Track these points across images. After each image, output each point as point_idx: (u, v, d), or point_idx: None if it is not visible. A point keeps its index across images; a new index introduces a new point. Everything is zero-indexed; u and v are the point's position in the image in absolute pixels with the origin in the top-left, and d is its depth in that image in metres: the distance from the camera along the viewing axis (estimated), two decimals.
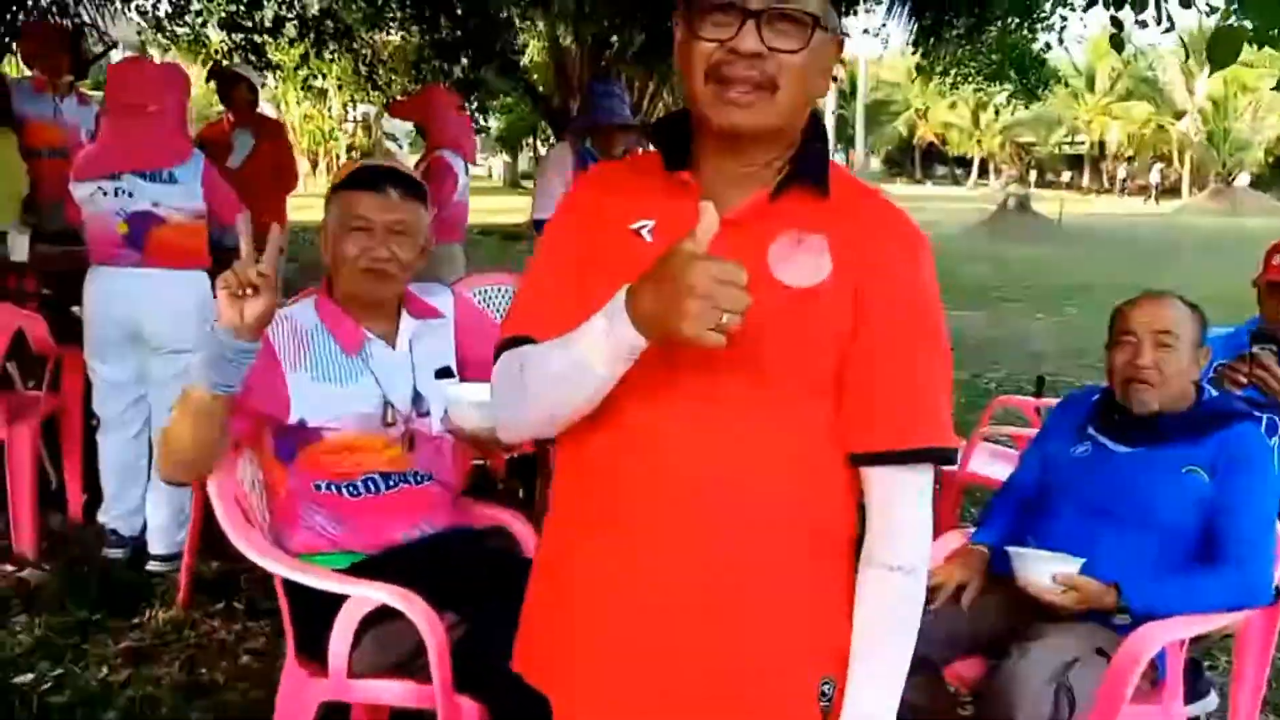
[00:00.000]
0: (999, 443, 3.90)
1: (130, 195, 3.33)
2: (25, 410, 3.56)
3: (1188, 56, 23.07)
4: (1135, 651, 2.17)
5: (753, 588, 1.25)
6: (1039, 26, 8.32)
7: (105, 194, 3.33)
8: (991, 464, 3.66)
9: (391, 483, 2.09)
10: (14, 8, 7.12)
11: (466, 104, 8.96)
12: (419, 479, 2.13)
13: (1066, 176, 51.33)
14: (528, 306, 1.34)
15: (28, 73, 5.48)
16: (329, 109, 26.16)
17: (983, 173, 52.82)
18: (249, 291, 1.67)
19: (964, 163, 54.56)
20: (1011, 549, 2.37)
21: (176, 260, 3.40)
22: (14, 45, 7.59)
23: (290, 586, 2.03)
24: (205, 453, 1.85)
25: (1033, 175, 48.13)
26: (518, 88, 12.15)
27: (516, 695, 1.79)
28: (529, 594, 1.42)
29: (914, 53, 8.58)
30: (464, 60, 8.76)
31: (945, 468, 3.73)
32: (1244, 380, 2.80)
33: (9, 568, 3.41)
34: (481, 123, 10.06)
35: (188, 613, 3.16)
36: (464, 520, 2.24)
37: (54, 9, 7.44)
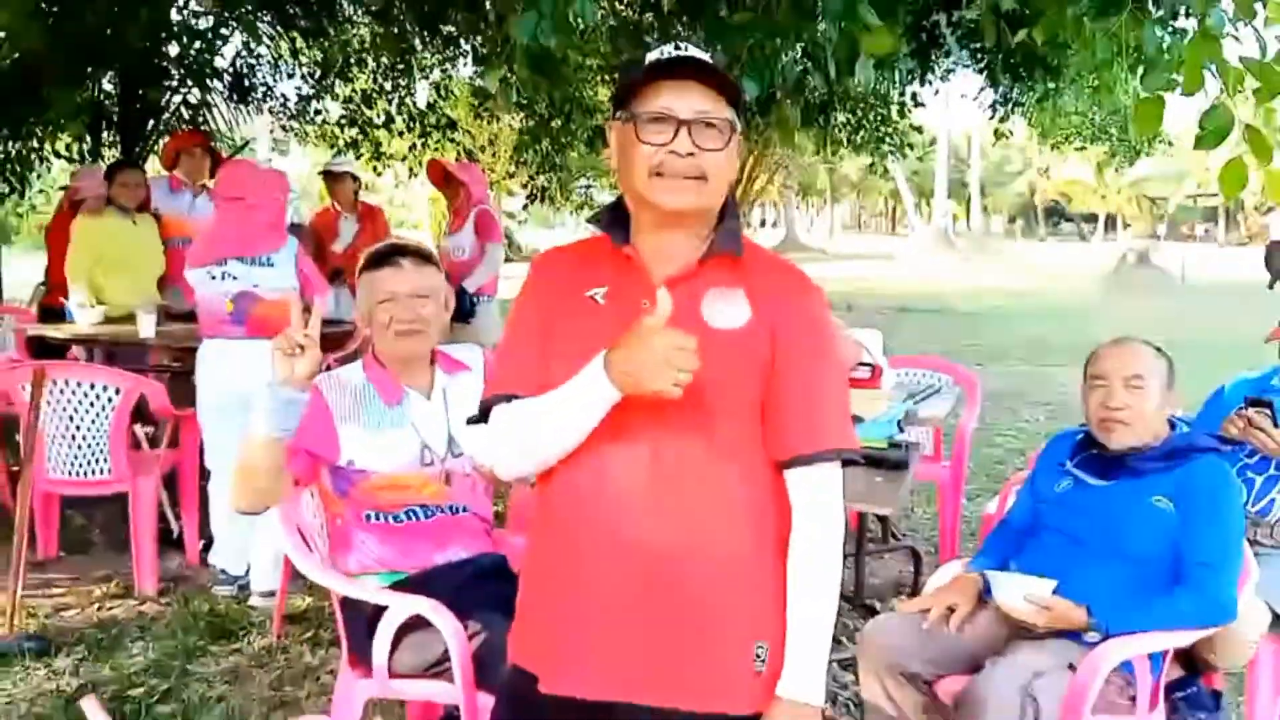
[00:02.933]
0: None
1: (234, 278, 3.84)
2: (148, 466, 4.08)
3: None
4: (1096, 664, 2.37)
5: (698, 574, 1.56)
6: (1115, 88, 8.43)
7: (214, 278, 3.86)
8: None
9: (430, 513, 2.47)
10: (155, 116, 7.98)
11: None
12: (455, 510, 2.50)
13: (1202, 230, 49.78)
14: (508, 368, 1.67)
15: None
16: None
17: (1109, 228, 51.57)
18: (298, 351, 2.07)
19: (1090, 219, 53.50)
20: (990, 573, 2.60)
21: (273, 332, 3.86)
22: (155, 148, 8.48)
23: (344, 601, 2.41)
24: (269, 486, 2.25)
25: (1162, 229, 46.72)
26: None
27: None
28: (520, 597, 1.74)
29: (991, 117, 8.78)
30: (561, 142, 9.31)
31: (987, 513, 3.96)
32: (1235, 434, 2.93)
33: (131, 601, 3.90)
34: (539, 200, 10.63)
35: (280, 640, 3.57)
36: (496, 548, 2.59)
37: (191, 116, 8.28)
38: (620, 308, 1.58)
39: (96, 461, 3.89)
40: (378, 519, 2.45)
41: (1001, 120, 8.61)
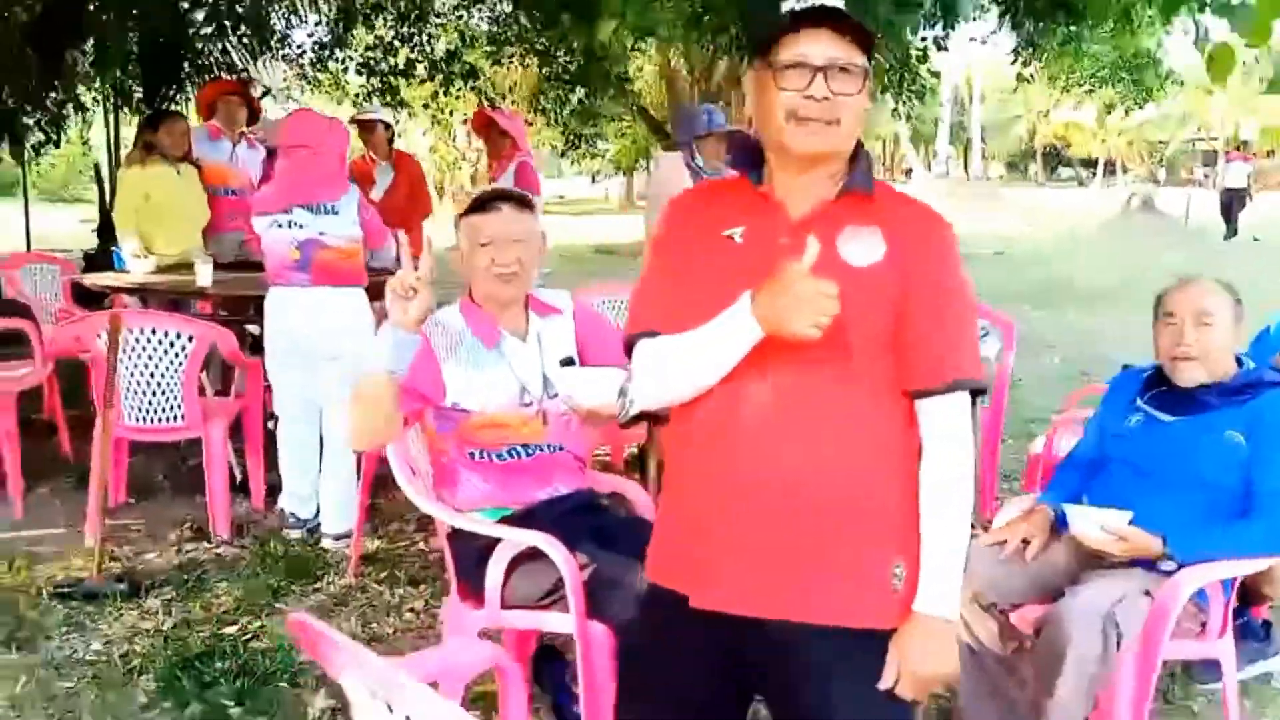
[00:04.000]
0: None
1: (300, 226, 3.91)
2: (218, 412, 4.17)
3: None
4: (1177, 589, 2.48)
5: (834, 498, 1.64)
6: (1140, 30, 8.43)
7: (280, 226, 3.92)
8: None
9: (530, 451, 2.56)
10: (183, 63, 7.97)
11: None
12: (552, 449, 2.59)
13: (1201, 174, 49.63)
14: (649, 306, 1.76)
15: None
16: (453, 140, 27.31)
17: (1109, 172, 51.41)
18: (411, 293, 2.15)
19: (1088, 164, 53.26)
20: (1068, 505, 2.70)
21: (338, 279, 3.96)
22: (180, 98, 8.48)
23: (453, 535, 2.51)
24: (384, 425, 2.34)
25: (1162, 174, 46.59)
26: (630, 112, 12.69)
27: (635, 618, 2.25)
28: (660, 519, 1.83)
29: (1013, 62, 8.78)
30: (580, 89, 9.33)
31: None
32: None
33: (207, 544, 4.01)
34: (599, 146, 10.62)
35: (358, 580, 3.69)
36: (590, 485, 2.69)
37: (218, 64, 8.27)
38: (758, 247, 1.67)
39: (170, 408, 3.98)
40: (481, 457, 2.54)
41: (1024, 65, 8.62)
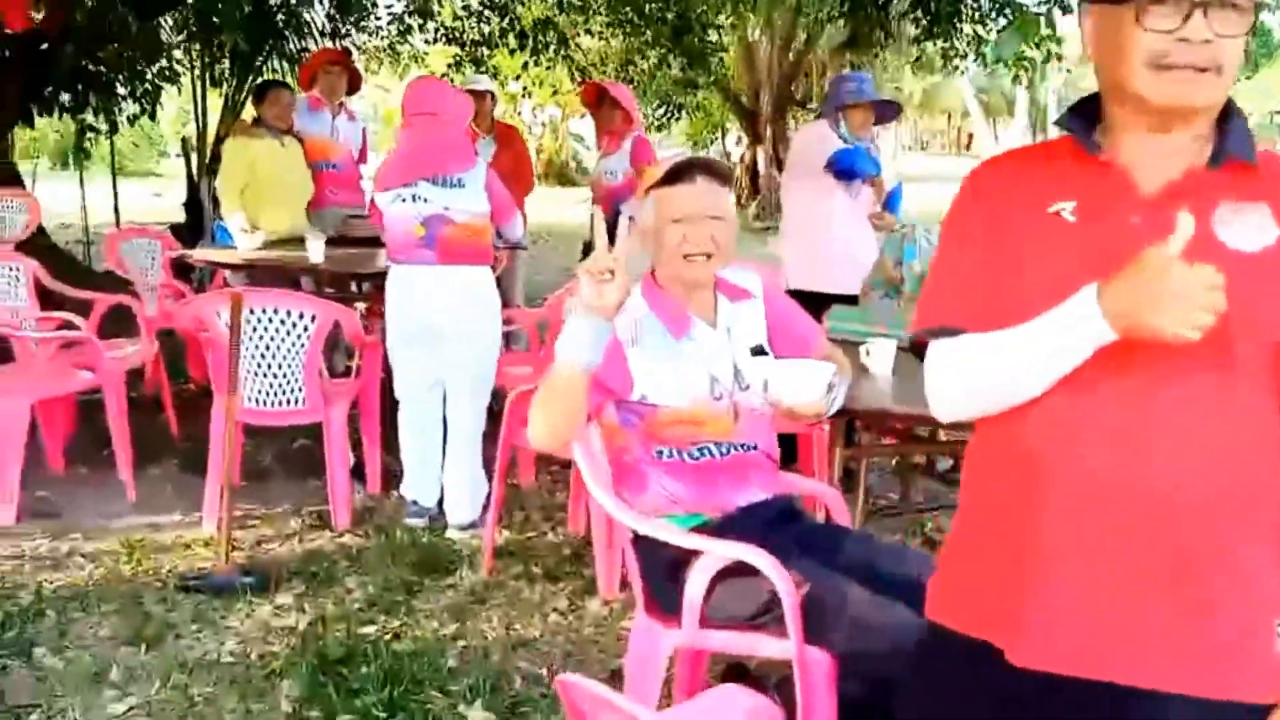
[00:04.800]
0: None
1: (425, 200, 3.68)
2: (339, 395, 3.98)
3: None
4: None
5: (1213, 536, 1.31)
6: None
7: (404, 200, 3.70)
8: None
9: (724, 451, 2.31)
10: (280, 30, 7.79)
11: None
12: (746, 448, 2.34)
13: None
14: (947, 296, 1.46)
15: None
16: (519, 113, 27.05)
17: None
18: (608, 276, 1.91)
19: None
20: None
21: (466, 257, 3.74)
22: (266, 70, 8.33)
23: (639, 542, 2.27)
24: (573, 421, 2.10)
25: None
26: (709, 85, 12.35)
27: (863, 648, 1.99)
28: (950, 557, 1.52)
29: None
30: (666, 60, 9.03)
31: None
32: None
33: (329, 533, 3.83)
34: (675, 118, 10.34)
35: (493, 575, 3.48)
36: (786, 489, 2.44)
37: (317, 32, 8.08)
38: (1097, 226, 1.35)
39: (291, 391, 3.79)
40: (671, 456, 2.30)
41: None
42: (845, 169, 4.30)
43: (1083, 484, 1.33)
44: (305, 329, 3.70)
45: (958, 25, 8.62)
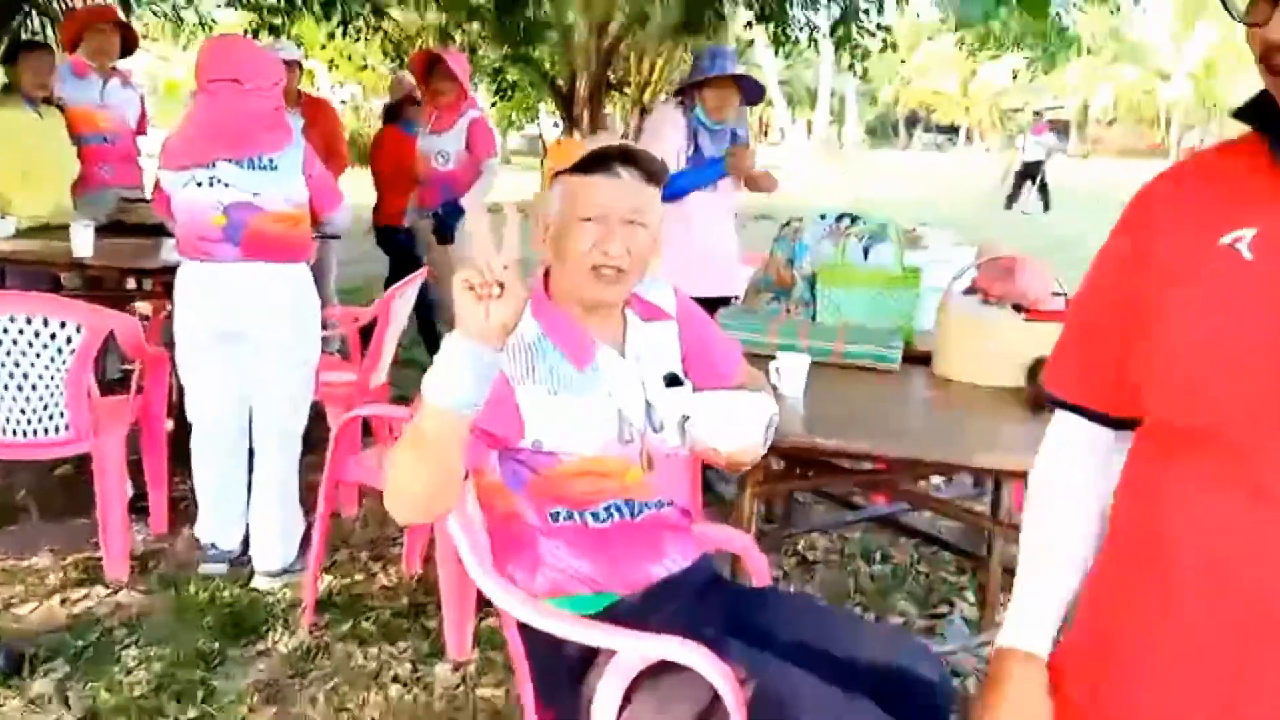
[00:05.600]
0: None
1: (227, 185, 3.02)
2: (113, 417, 3.24)
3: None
4: None
5: None
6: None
7: (199, 184, 3.02)
8: None
9: (636, 510, 1.81)
10: None
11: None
12: (660, 505, 1.85)
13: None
14: (1071, 361, 1.17)
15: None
16: (315, 89, 25.52)
17: (968, 139, 52.82)
18: (495, 290, 1.38)
19: (945, 129, 54.62)
20: None
21: (278, 253, 3.09)
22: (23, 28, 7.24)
23: (525, 632, 1.75)
24: (448, 485, 1.55)
25: (1021, 140, 47.95)
26: (529, 65, 11.76)
27: None
28: (1083, 633, 1.15)
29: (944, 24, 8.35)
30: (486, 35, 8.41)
31: None
32: None
33: (102, 589, 3.11)
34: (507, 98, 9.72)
35: (315, 635, 2.87)
36: (701, 547, 1.96)
37: None
38: None
39: (50, 418, 3.04)
40: (569, 519, 1.78)
41: (956, 30, 8.20)
42: (677, 193, 3.76)
43: (1209, 581, 0.97)
44: (68, 341, 2.97)
45: (790, 10, 8.40)
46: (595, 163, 1.75)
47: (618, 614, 1.74)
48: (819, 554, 3.59)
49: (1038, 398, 2.45)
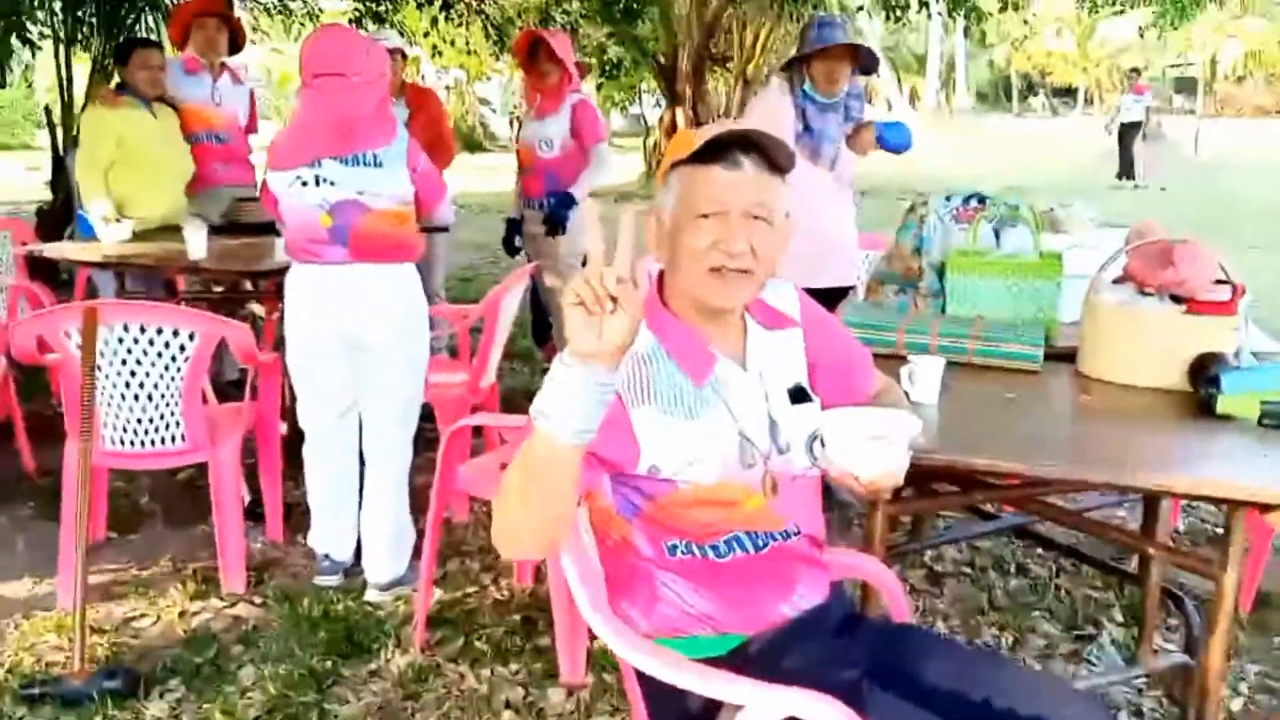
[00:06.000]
0: None
1: (333, 183, 2.94)
2: (228, 427, 3.22)
3: None
4: None
5: None
6: None
7: (305, 183, 2.95)
8: None
9: (760, 541, 1.66)
10: None
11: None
12: (787, 535, 1.69)
13: (1178, 101, 49.07)
14: None
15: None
16: (421, 76, 25.80)
17: (1088, 101, 50.69)
18: (608, 308, 1.24)
19: (1061, 92, 52.56)
20: None
21: (386, 253, 3.01)
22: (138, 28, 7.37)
23: (649, 684, 1.61)
24: (560, 518, 1.43)
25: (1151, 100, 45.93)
26: (632, 43, 11.60)
27: None
28: None
29: None
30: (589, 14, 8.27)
31: None
32: None
33: (218, 602, 3.09)
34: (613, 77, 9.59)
35: (428, 655, 2.79)
36: (831, 577, 1.79)
37: None
38: None
39: (166, 426, 3.03)
40: (688, 552, 1.64)
41: None
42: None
43: None
44: (181, 349, 2.94)
45: None
46: (713, 151, 1.58)
47: (745, 658, 1.59)
48: (948, 566, 3.38)
49: (1207, 401, 2.22)
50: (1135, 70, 23.84)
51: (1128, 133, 18.06)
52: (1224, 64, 45.17)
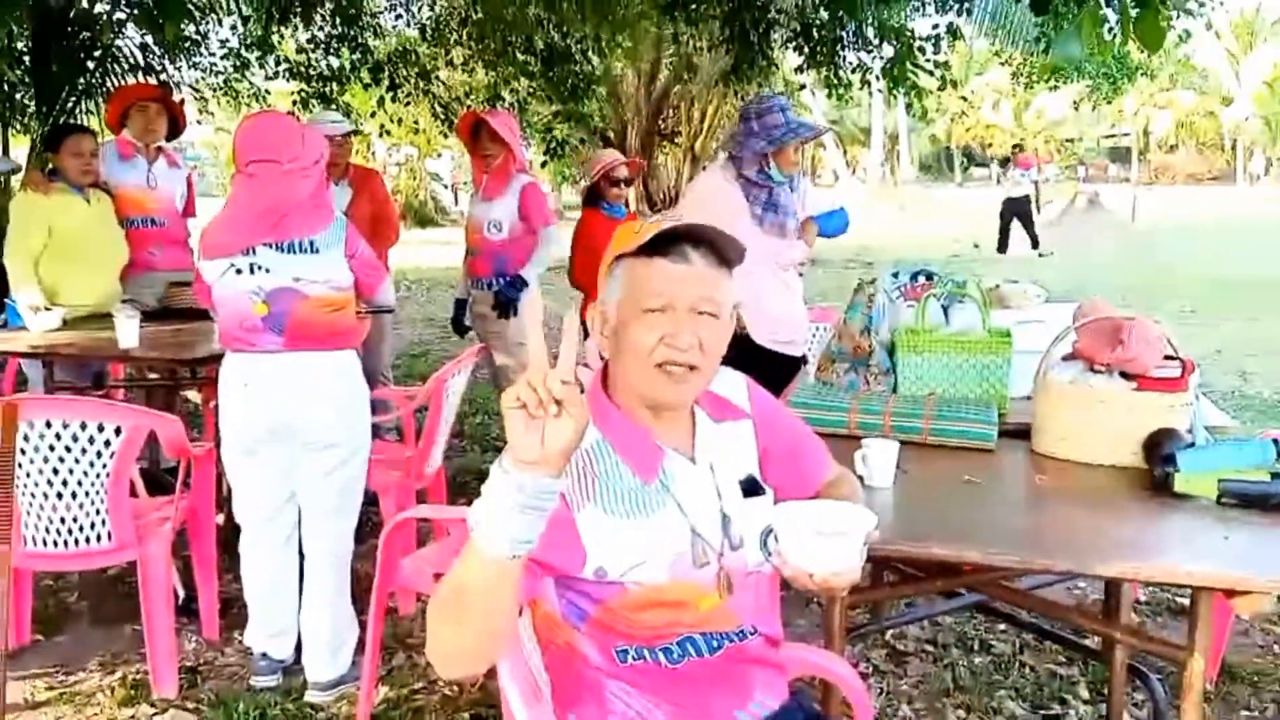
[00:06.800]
0: None
1: (267, 270, 2.86)
2: (158, 521, 3.08)
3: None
4: None
5: None
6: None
7: (239, 271, 2.87)
8: None
9: (715, 643, 1.58)
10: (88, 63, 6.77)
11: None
12: (743, 635, 1.61)
13: (1114, 169, 50.48)
14: None
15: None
16: (372, 153, 25.83)
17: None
18: (551, 410, 1.17)
19: (1004, 162, 53.99)
20: None
21: (323, 340, 2.93)
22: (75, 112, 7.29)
23: None
24: (497, 634, 1.34)
25: (1083, 170, 47.13)
26: (579, 122, 11.70)
27: None
28: None
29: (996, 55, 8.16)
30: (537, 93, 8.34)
31: None
32: None
33: (148, 709, 2.93)
34: (560, 155, 9.65)
35: None
36: (788, 677, 1.71)
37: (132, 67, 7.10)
38: None
39: (91, 526, 2.89)
40: (638, 657, 1.55)
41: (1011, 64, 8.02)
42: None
43: None
44: (106, 445, 2.82)
45: (841, 53, 8.21)
46: (660, 245, 1.53)
47: None
48: (910, 644, 3.31)
49: (1164, 479, 2.18)
50: (1018, 147, 23.75)
51: (1015, 205, 16.84)
52: (1156, 134, 46.62)
